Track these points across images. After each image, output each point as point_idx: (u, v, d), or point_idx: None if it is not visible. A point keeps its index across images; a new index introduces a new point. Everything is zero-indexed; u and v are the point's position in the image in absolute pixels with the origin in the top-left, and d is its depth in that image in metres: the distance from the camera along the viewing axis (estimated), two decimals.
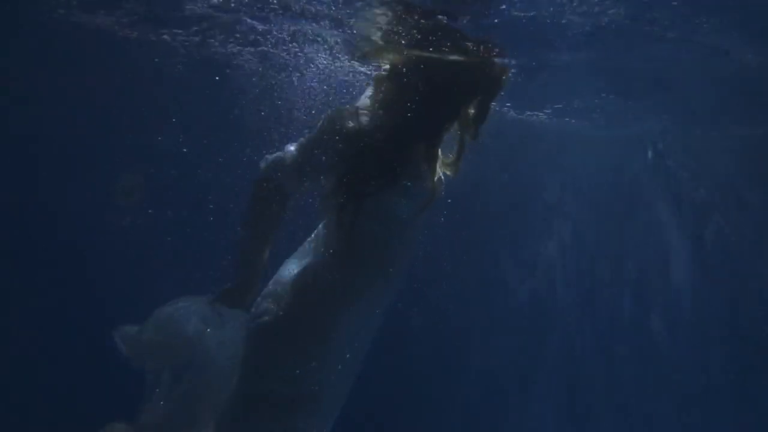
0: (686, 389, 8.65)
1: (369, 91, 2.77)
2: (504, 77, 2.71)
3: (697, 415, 8.47)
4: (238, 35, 5.87)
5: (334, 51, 5.09)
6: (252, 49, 6.19)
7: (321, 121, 2.62)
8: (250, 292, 2.68)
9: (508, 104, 6.97)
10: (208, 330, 2.73)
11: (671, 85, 6.03)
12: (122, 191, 6.83)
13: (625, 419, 8.80)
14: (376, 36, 4.09)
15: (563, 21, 3.94)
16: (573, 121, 7.68)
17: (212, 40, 6.13)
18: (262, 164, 2.69)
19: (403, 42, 3.75)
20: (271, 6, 4.33)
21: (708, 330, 8.68)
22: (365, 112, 2.58)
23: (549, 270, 9.51)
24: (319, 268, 2.58)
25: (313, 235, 2.75)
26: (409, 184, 2.54)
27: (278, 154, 2.67)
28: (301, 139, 2.66)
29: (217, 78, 6.79)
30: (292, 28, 4.96)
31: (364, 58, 4.93)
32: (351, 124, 2.54)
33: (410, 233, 2.67)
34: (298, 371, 2.53)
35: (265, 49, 5.99)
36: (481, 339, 8.55)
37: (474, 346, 8.50)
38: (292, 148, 2.66)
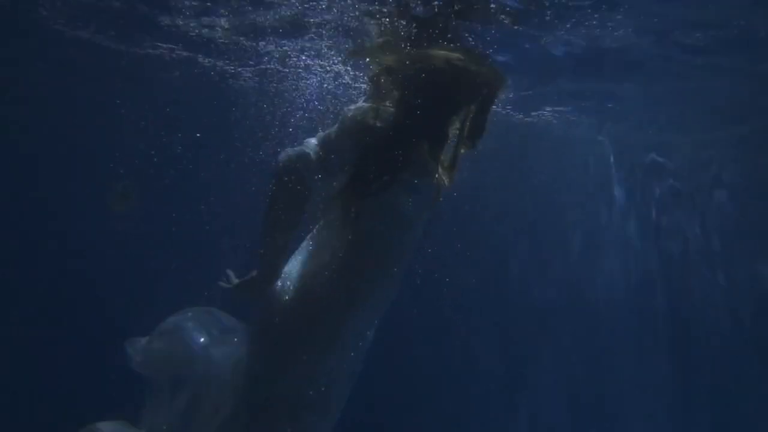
0: (686, 389, 8.65)
1: (370, 90, 2.76)
2: (500, 84, 2.70)
3: (697, 415, 8.47)
4: (236, 59, 5.88)
5: (330, 54, 5.07)
6: (253, 68, 6.20)
7: (343, 119, 2.55)
8: (268, 286, 2.63)
9: (509, 107, 6.97)
10: (214, 339, 2.70)
11: (671, 90, 6.05)
12: (116, 197, 6.82)
13: (626, 419, 8.79)
14: (376, 32, 4.07)
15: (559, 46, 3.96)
16: (573, 117, 7.69)
17: (200, 57, 6.13)
18: (282, 157, 2.55)
19: (402, 34, 3.74)
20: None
21: (706, 329, 8.68)
22: (385, 110, 2.54)
23: (548, 270, 9.50)
24: (322, 272, 2.55)
25: (314, 232, 2.70)
26: (416, 180, 2.54)
27: (300, 148, 2.55)
28: (321, 134, 2.57)
29: (216, 76, 6.79)
30: (292, 45, 4.96)
31: (359, 57, 4.91)
32: (374, 122, 2.50)
33: (412, 233, 2.66)
34: (301, 375, 2.53)
35: (264, 67, 5.99)
36: (481, 339, 8.55)
37: (475, 346, 8.50)
38: (313, 142, 2.56)
